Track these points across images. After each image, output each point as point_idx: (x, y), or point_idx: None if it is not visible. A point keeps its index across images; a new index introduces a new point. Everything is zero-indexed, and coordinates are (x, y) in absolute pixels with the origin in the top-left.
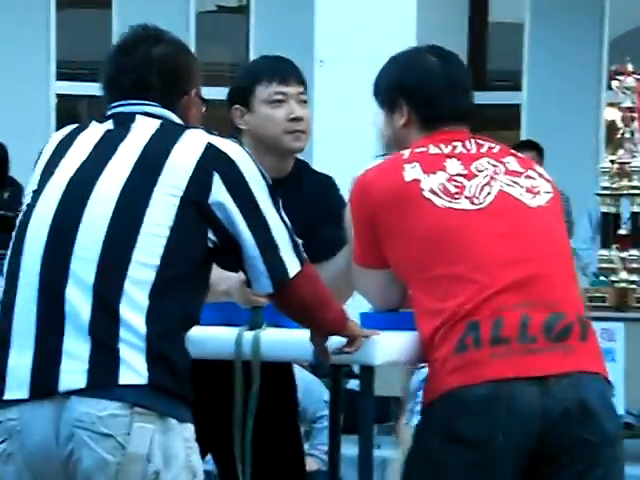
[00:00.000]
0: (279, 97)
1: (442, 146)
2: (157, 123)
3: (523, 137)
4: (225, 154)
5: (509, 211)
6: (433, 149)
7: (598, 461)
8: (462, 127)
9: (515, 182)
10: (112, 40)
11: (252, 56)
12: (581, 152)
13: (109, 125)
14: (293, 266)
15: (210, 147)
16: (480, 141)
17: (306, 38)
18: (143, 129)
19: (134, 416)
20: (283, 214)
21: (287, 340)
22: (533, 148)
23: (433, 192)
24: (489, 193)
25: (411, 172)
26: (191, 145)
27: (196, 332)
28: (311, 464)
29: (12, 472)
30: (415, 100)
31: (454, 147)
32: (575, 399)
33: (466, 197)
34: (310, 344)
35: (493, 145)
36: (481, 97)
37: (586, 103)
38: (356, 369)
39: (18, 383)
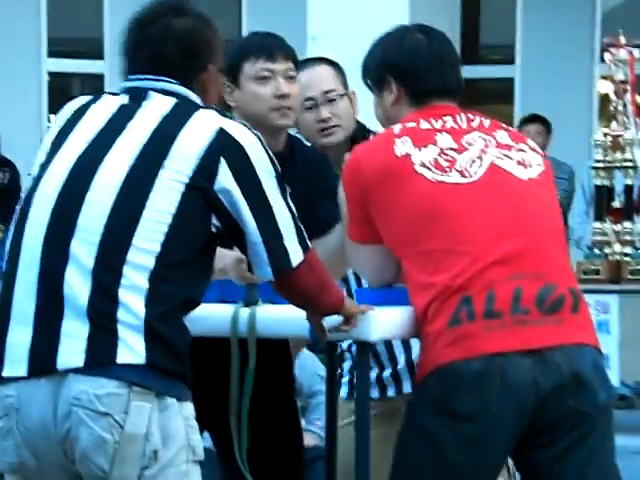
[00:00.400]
0: (265, 74)
1: (432, 121)
2: (171, 102)
3: (516, 111)
4: (234, 139)
5: (500, 184)
6: (424, 124)
7: (592, 430)
8: (451, 102)
9: (506, 155)
10: (104, 16)
11: (245, 33)
12: (574, 125)
13: (123, 100)
14: (296, 255)
15: (220, 132)
16: (471, 115)
17: (299, 15)
18: (155, 108)
19: (132, 395)
20: (290, 202)
21: (283, 316)
22: (539, 121)
23: (424, 166)
24: (480, 166)
25: (402, 147)
26: (201, 129)
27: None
28: (308, 439)
29: (11, 447)
30: (403, 76)
31: (444, 122)
32: (568, 370)
33: (457, 170)
34: (306, 321)
35: (484, 119)
36: (474, 71)
37: (579, 76)
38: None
39: (16, 360)
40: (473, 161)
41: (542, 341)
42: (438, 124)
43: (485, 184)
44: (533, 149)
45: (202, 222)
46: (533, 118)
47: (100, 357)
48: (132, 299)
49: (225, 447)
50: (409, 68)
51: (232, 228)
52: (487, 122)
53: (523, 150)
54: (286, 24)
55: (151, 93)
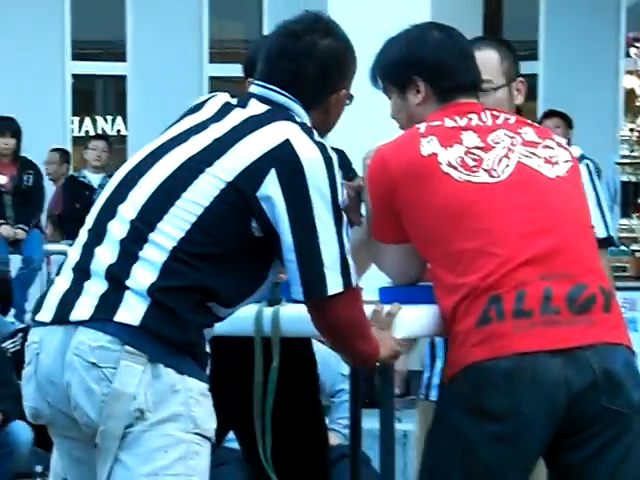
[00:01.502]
0: None
1: (457, 119)
2: (262, 108)
3: (540, 107)
4: (296, 154)
5: (528, 183)
6: (449, 122)
7: (625, 430)
8: (475, 98)
9: (533, 153)
10: (126, 19)
11: (266, 32)
12: (599, 121)
13: (232, 100)
14: (334, 285)
15: (284, 143)
16: (495, 112)
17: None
18: (242, 113)
19: (123, 354)
20: (343, 233)
21: (306, 315)
22: (557, 116)
23: (451, 166)
24: (507, 165)
25: (428, 146)
26: (267, 136)
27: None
28: (332, 438)
29: (31, 392)
30: (433, 73)
31: (470, 119)
32: (600, 369)
33: (484, 170)
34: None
35: (509, 116)
36: None
37: (604, 71)
38: None
39: (48, 307)
40: (500, 160)
41: (573, 341)
42: (463, 122)
43: (513, 183)
44: (560, 145)
45: (237, 223)
46: (551, 113)
47: (103, 313)
48: (145, 270)
49: (250, 447)
50: (437, 65)
51: (272, 236)
52: (512, 119)
53: (550, 147)
54: None
55: (253, 100)
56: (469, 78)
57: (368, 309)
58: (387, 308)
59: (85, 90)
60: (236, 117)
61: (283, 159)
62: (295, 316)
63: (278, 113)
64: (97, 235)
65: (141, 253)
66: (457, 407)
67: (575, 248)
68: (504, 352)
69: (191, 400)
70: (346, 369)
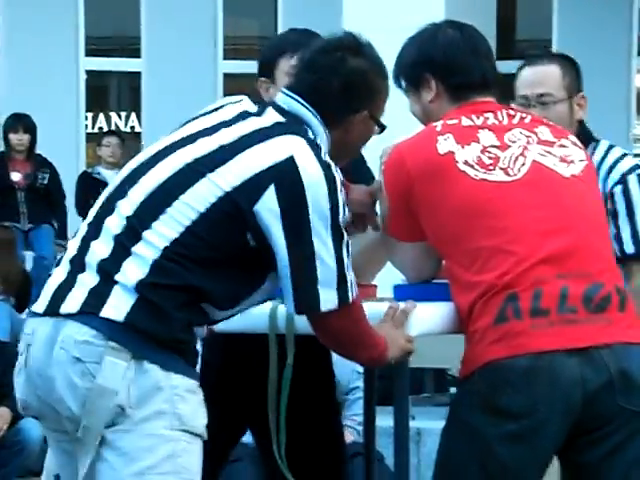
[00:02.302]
0: None
1: (474, 117)
2: (276, 118)
3: None
4: (298, 172)
5: (544, 181)
6: (465, 121)
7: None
8: (490, 96)
9: (548, 152)
10: (141, 15)
11: (280, 29)
12: (612, 119)
13: (251, 108)
14: (328, 302)
15: (288, 160)
16: (511, 111)
17: (335, 10)
18: (257, 121)
19: (107, 349)
20: (343, 251)
21: None
22: None
23: (468, 164)
24: (523, 164)
25: (445, 144)
26: (272, 150)
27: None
28: (346, 435)
29: (21, 384)
30: (443, 71)
31: (486, 118)
32: (616, 369)
33: (501, 168)
34: None
35: (524, 115)
36: (511, 66)
37: (617, 69)
38: None
39: (44, 298)
40: (516, 159)
41: (590, 340)
42: (479, 121)
43: (528, 182)
44: (575, 144)
45: (230, 232)
46: None
47: (90, 307)
48: (135, 266)
49: (266, 445)
50: (447, 63)
51: (267, 250)
52: (528, 118)
53: (565, 146)
54: (321, 21)
55: (270, 109)
56: (480, 75)
57: (382, 306)
58: (402, 306)
59: (99, 86)
60: (247, 126)
61: (284, 176)
62: None
63: (290, 126)
64: (95, 229)
65: (134, 249)
66: (473, 405)
67: (590, 247)
68: (521, 351)
69: (176, 397)
70: (360, 367)
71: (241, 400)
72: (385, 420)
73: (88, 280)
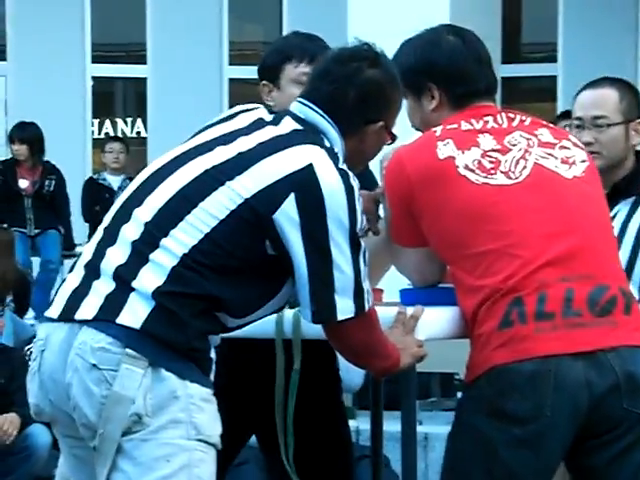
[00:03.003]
0: (306, 78)
1: (473, 121)
2: (294, 126)
3: (560, 109)
4: (317, 181)
5: (546, 184)
6: (465, 125)
7: None
8: (491, 101)
9: (549, 154)
10: (147, 22)
11: (285, 34)
12: None
13: (268, 116)
14: (345, 311)
15: (307, 168)
16: (511, 114)
17: (339, 15)
18: (274, 130)
19: (124, 357)
20: (360, 261)
21: None
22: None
23: (468, 169)
24: (525, 167)
25: (445, 149)
26: (291, 159)
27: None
28: None
29: (35, 389)
30: (447, 80)
31: (485, 122)
32: (622, 372)
33: (502, 172)
34: None
35: (524, 118)
36: (516, 69)
37: (623, 73)
38: None
39: (58, 303)
40: (517, 162)
41: (595, 343)
42: (479, 125)
43: (530, 185)
44: (576, 145)
45: (250, 239)
46: (565, 114)
47: (106, 314)
48: (153, 273)
49: (271, 451)
50: (452, 72)
51: (284, 256)
52: (528, 120)
53: (566, 147)
54: (327, 25)
55: (287, 118)
56: (484, 83)
57: (390, 311)
58: (410, 311)
59: (105, 93)
60: (265, 134)
61: (304, 184)
62: None
63: (308, 135)
64: (110, 235)
65: (151, 256)
66: (479, 410)
67: (594, 249)
68: (526, 355)
69: (192, 406)
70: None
71: (247, 405)
72: (392, 425)
73: (103, 286)
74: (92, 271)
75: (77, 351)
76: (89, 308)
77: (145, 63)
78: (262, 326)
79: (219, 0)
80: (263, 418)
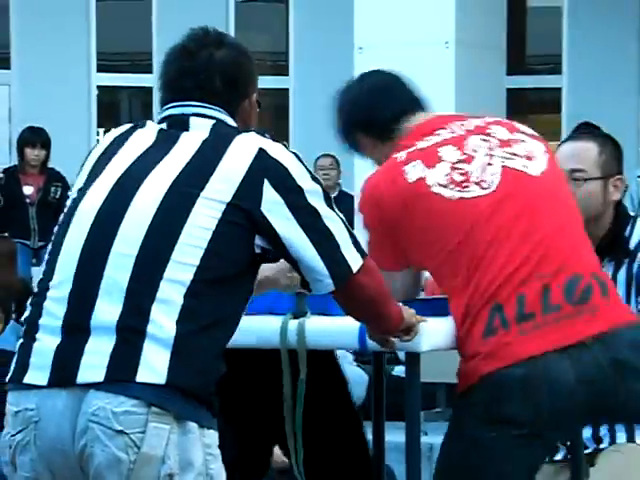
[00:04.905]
0: None
1: (427, 139)
2: (210, 124)
3: (564, 120)
4: (276, 160)
5: (517, 187)
6: (422, 144)
7: None
8: (425, 112)
9: (513, 153)
10: (152, 31)
11: (292, 45)
12: (623, 135)
13: (163, 126)
14: (355, 261)
15: (261, 153)
16: (461, 122)
17: (345, 26)
18: (196, 132)
19: (150, 415)
20: (338, 211)
21: (332, 327)
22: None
23: (441, 185)
24: (494, 173)
25: (414, 171)
26: (242, 150)
27: (240, 322)
28: None
29: (27, 461)
30: (363, 126)
31: (439, 135)
32: (608, 362)
33: (474, 183)
34: (355, 332)
35: (473, 118)
36: (521, 81)
37: (627, 85)
38: (401, 355)
39: (39, 368)
40: (485, 169)
41: (577, 335)
42: (435, 139)
43: (503, 191)
44: (532, 136)
45: (244, 241)
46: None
47: (121, 374)
48: (165, 314)
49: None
50: (362, 118)
51: (280, 247)
52: (476, 121)
53: (523, 140)
54: (333, 35)
55: (192, 118)
56: (392, 110)
57: None
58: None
59: (111, 102)
60: (191, 139)
61: (269, 168)
62: (320, 328)
63: (225, 127)
64: (88, 283)
65: (158, 294)
66: (473, 417)
67: (563, 241)
68: (514, 360)
69: (209, 457)
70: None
71: (253, 417)
72: (396, 435)
73: (101, 344)
74: (75, 330)
75: (92, 418)
76: (94, 370)
77: (151, 72)
78: (266, 336)
79: (225, 10)
80: (274, 428)
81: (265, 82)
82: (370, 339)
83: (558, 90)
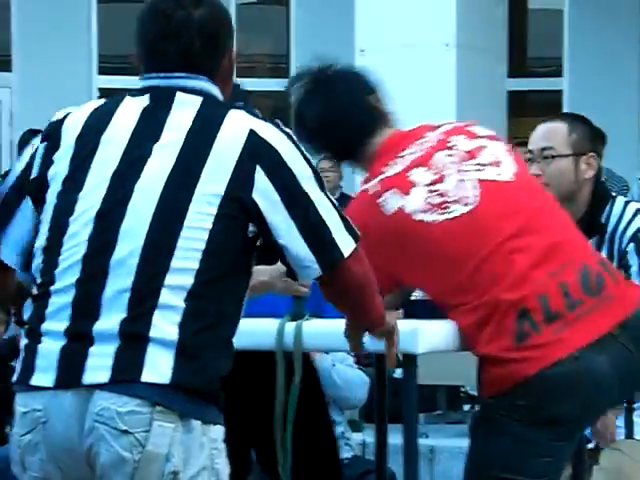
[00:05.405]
0: None
1: (392, 164)
2: (198, 103)
3: None
4: (267, 143)
5: (499, 195)
6: (390, 171)
7: None
8: (387, 128)
9: (481, 164)
10: None
11: (293, 47)
12: (624, 137)
13: (146, 101)
14: (347, 245)
15: (252, 135)
16: (418, 140)
17: (347, 28)
18: (183, 113)
19: (155, 414)
20: (329, 194)
21: (329, 330)
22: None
23: (421, 212)
24: (472, 188)
25: (390, 201)
26: (233, 135)
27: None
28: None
29: (37, 462)
30: (330, 143)
31: (402, 157)
32: (632, 342)
33: (454, 202)
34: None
35: (430, 132)
36: (522, 83)
37: (628, 88)
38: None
39: (44, 370)
40: (459, 186)
41: (606, 326)
42: (400, 164)
43: (488, 204)
44: (490, 137)
45: (239, 234)
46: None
47: (125, 374)
48: (167, 319)
49: (268, 464)
50: (325, 134)
51: (266, 232)
52: (435, 134)
53: (485, 146)
54: (334, 37)
55: (177, 96)
56: (357, 130)
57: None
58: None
59: None
60: (178, 124)
61: (261, 153)
62: (318, 331)
63: (213, 104)
64: (90, 291)
65: (160, 301)
66: (517, 418)
67: (558, 235)
68: (553, 359)
69: (214, 451)
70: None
71: (244, 419)
72: (398, 438)
73: (105, 347)
74: (80, 337)
75: (97, 418)
76: (98, 371)
77: None
78: (263, 339)
79: None
80: (261, 432)
81: (265, 84)
82: (346, 336)
83: (559, 92)
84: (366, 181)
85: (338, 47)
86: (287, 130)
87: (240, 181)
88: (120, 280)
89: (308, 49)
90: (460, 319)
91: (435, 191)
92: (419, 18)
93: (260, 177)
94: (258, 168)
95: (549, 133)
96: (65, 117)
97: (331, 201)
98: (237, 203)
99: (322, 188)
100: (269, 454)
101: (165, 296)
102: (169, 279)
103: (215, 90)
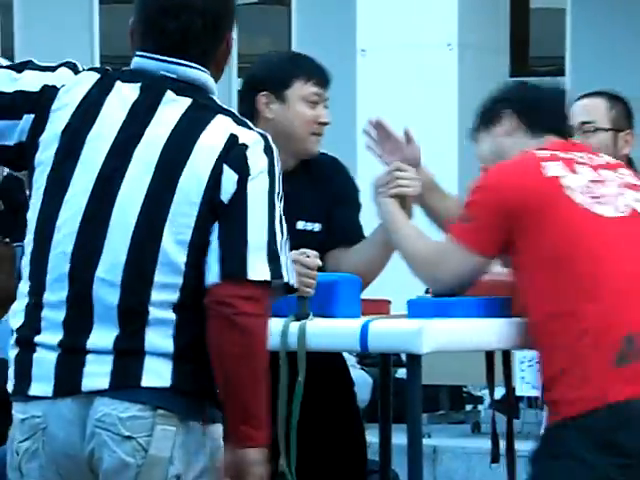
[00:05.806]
0: (315, 98)
1: (569, 153)
2: (186, 105)
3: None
4: (241, 146)
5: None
6: (563, 154)
7: None
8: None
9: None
10: None
11: (294, 47)
12: None
13: (136, 92)
14: (257, 271)
15: (230, 140)
16: (593, 155)
17: (348, 28)
18: (169, 116)
19: (157, 418)
20: (277, 223)
21: (333, 329)
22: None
23: (574, 190)
24: (626, 204)
25: (553, 169)
26: (214, 139)
27: None
28: None
29: (36, 468)
30: (527, 110)
31: (575, 155)
32: None
33: (604, 203)
34: (357, 333)
35: (600, 156)
36: None
37: (632, 86)
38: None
39: (41, 379)
40: (617, 197)
41: None
42: (574, 155)
43: (628, 221)
44: None
45: (209, 235)
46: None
47: (125, 380)
48: (159, 333)
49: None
50: (532, 105)
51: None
52: (605, 159)
53: None
54: (336, 37)
55: (167, 95)
56: (562, 123)
57: (398, 323)
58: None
59: None
60: (168, 117)
61: (232, 156)
62: (321, 331)
63: (201, 106)
64: (81, 308)
65: (149, 317)
66: (588, 440)
67: None
68: None
69: (215, 450)
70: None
71: None
72: (401, 438)
73: (102, 357)
74: (75, 351)
75: (98, 424)
76: (98, 378)
77: None
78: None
79: None
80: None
81: None
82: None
83: None
84: (540, 149)
85: (339, 47)
86: (271, 145)
87: (212, 185)
88: (108, 296)
89: (309, 49)
90: (552, 325)
91: (594, 187)
92: (421, 18)
93: (226, 179)
94: (225, 167)
95: (589, 108)
96: (57, 91)
97: (270, 227)
98: (211, 206)
99: (271, 210)
100: (274, 453)
101: (154, 312)
102: (155, 295)
103: (210, 81)
